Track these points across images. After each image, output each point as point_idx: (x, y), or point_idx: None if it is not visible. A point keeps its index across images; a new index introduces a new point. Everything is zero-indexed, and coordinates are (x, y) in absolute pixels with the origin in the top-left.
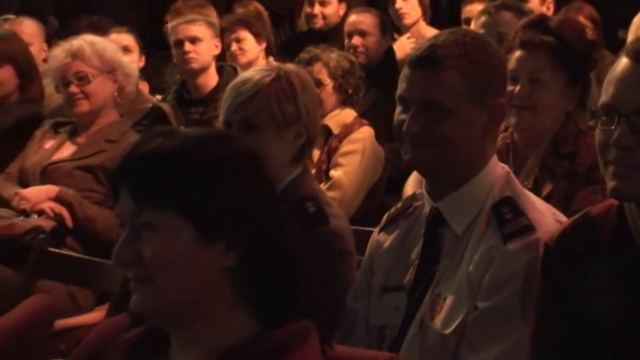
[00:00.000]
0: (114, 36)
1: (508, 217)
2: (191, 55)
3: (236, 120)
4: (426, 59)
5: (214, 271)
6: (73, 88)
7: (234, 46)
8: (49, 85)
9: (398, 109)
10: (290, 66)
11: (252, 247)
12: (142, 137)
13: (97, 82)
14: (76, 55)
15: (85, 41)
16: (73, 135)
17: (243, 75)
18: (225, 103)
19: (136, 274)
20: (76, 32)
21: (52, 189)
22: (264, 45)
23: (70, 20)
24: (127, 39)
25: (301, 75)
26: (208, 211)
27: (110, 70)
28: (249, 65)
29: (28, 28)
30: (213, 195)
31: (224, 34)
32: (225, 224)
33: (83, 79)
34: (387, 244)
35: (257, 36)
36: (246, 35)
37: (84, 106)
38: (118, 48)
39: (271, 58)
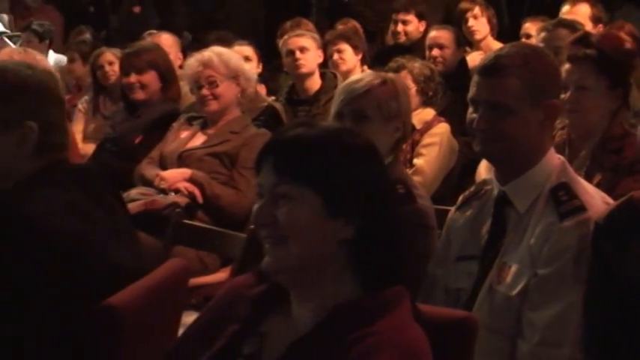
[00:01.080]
0: (237, 48)
1: (564, 199)
2: (301, 61)
3: (348, 110)
4: (492, 67)
5: (334, 241)
6: (205, 91)
7: (335, 56)
8: (184, 87)
9: (470, 109)
10: (392, 75)
11: (367, 223)
12: (287, 125)
13: (223, 86)
14: (206, 64)
15: (214, 52)
16: (203, 127)
17: (356, 77)
18: (339, 97)
19: (271, 234)
20: (205, 45)
21: (186, 171)
22: (360, 56)
23: (201, 35)
24: (248, 50)
25: (401, 82)
26: (336, 190)
27: (234, 75)
28: (347, 72)
29: (166, 41)
30: (341, 177)
31: (327, 46)
32: (348, 202)
33: (212, 83)
34: (461, 221)
35: (355, 48)
36: (346, 47)
37: (213, 106)
38: (241, 57)
39: (365, 67)
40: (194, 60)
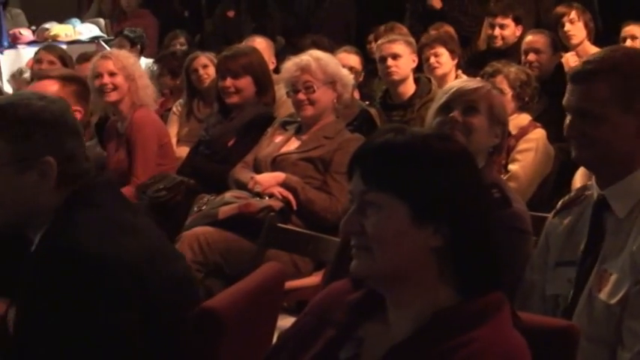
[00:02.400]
0: (343, 55)
1: None
2: (392, 69)
3: (460, 102)
4: (580, 74)
5: (422, 249)
6: (301, 96)
7: (432, 59)
8: (279, 90)
9: (567, 116)
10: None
11: (457, 231)
12: (377, 132)
13: (320, 91)
14: (304, 69)
15: (312, 57)
16: (297, 132)
17: (465, 79)
18: (449, 91)
19: (358, 243)
20: (300, 49)
21: (280, 176)
22: (456, 61)
23: (294, 39)
24: (354, 59)
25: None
26: (424, 198)
27: (331, 81)
28: (443, 76)
29: (260, 45)
30: (430, 184)
31: (423, 49)
32: (436, 210)
33: (309, 88)
34: (561, 227)
35: (451, 52)
36: (443, 51)
37: (309, 111)
38: (338, 62)
39: (460, 72)
40: (292, 64)
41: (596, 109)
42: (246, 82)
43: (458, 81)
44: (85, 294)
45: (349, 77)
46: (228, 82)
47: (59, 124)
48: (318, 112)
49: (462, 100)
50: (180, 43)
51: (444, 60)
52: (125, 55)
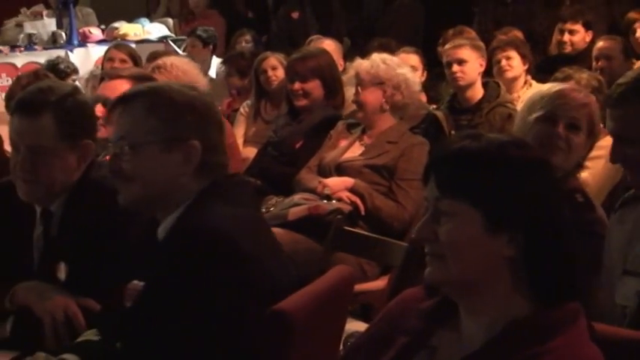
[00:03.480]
0: (402, 55)
1: None
2: (458, 74)
3: (567, 117)
4: (613, 98)
5: (496, 258)
6: (355, 97)
7: (503, 62)
8: (348, 92)
9: None
10: None
11: (532, 241)
12: (453, 137)
13: (366, 92)
14: (354, 69)
15: (372, 59)
16: (362, 135)
17: (570, 87)
18: (553, 97)
19: (432, 250)
20: (368, 51)
21: (349, 181)
22: (527, 65)
23: (361, 41)
24: (414, 59)
25: None
26: (499, 207)
27: (379, 82)
28: (513, 80)
29: (329, 46)
30: (505, 193)
31: (494, 52)
32: (511, 219)
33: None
34: (620, 227)
35: (523, 57)
36: (514, 55)
37: (360, 113)
38: (399, 64)
39: (529, 77)
40: (354, 67)
41: (632, 133)
42: (314, 86)
43: (559, 86)
44: (217, 278)
45: (414, 80)
46: (297, 85)
47: (208, 115)
48: (367, 114)
49: (568, 115)
50: (245, 40)
51: (515, 63)
52: (178, 64)
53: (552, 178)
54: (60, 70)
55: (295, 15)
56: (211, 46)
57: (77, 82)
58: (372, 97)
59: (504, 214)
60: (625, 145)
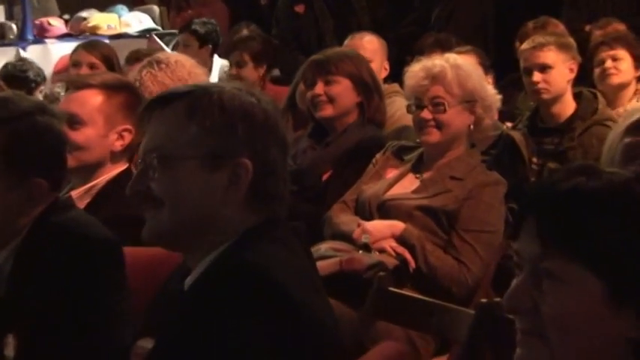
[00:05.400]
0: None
1: None
2: (540, 85)
3: None
4: None
5: (617, 340)
6: (426, 114)
7: (609, 63)
8: (391, 105)
9: None
10: None
11: None
12: (559, 171)
13: (452, 111)
14: (436, 78)
15: (449, 63)
16: (417, 165)
17: None
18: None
19: (527, 326)
20: (421, 51)
21: (397, 226)
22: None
23: (411, 37)
24: (469, 60)
25: None
26: (629, 272)
27: (470, 100)
28: (620, 88)
29: (370, 44)
30: (637, 252)
31: (598, 49)
32: None
33: (439, 105)
34: None
35: (635, 58)
36: (624, 55)
37: (433, 136)
38: (483, 75)
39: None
40: (420, 68)
41: None
42: (342, 88)
43: None
44: (268, 340)
45: (495, 97)
46: (319, 88)
47: (268, 128)
48: (447, 140)
49: None
50: (253, 35)
51: (624, 67)
52: (184, 62)
53: None
54: (22, 78)
55: (300, 9)
56: (210, 46)
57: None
58: (460, 119)
59: (634, 283)
60: None
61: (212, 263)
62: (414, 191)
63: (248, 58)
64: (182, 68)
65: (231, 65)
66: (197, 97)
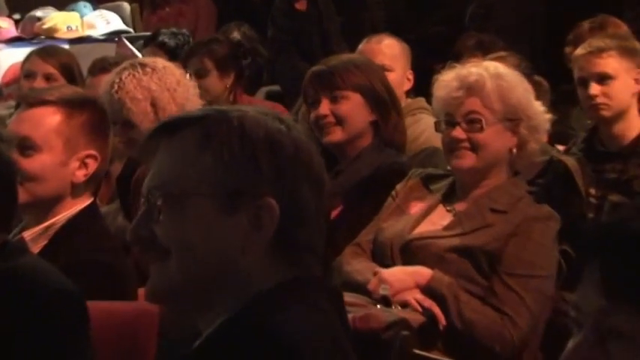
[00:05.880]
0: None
1: None
2: (599, 99)
3: None
4: None
5: None
6: (459, 133)
7: None
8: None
9: None
10: None
11: None
12: (626, 206)
13: (491, 130)
14: (472, 89)
15: (489, 73)
16: (449, 197)
17: None
18: None
19: None
20: (458, 55)
21: (422, 274)
22: None
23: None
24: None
25: None
26: None
27: (513, 117)
28: None
29: (390, 48)
30: None
31: None
32: None
33: (474, 122)
34: None
35: None
36: None
37: (468, 160)
38: (529, 88)
39: None
40: (454, 77)
41: None
42: (352, 105)
43: None
44: None
45: (543, 117)
46: (324, 107)
47: (299, 162)
48: (482, 164)
49: None
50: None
51: None
52: (173, 70)
53: None
54: None
55: (301, 6)
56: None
57: None
58: (501, 141)
59: None
60: None
61: (227, 325)
62: (446, 228)
63: (211, 65)
64: (171, 76)
65: (189, 75)
66: (213, 124)
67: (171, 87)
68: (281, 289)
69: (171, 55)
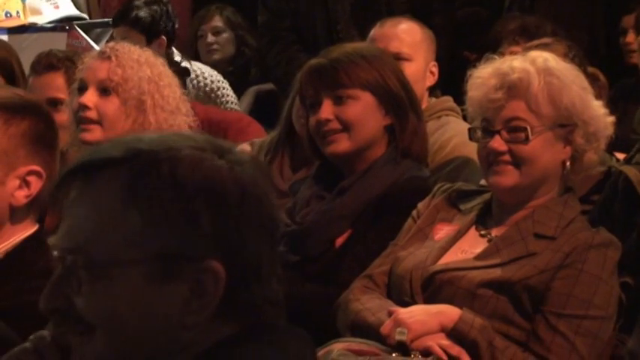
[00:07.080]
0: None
1: None
2: None
3: None
4: None
5: None
6: (499, 143)
7: None
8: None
9: None
10: None
11: None
12: None
13: (540, 139)
14: (516, 89)
15: (536, 67)
16: (483, 218)
17: None
18: None
19: None
20: (496, 43)
21: (449, 314)
22: None
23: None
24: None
25: None
26: None
27: (566, 123)
28: None
29: (409, 34)
30: None
31: None
32: None
33: (518, 130)
34: None
35: None
36: None
37: (509, 178)
38: (587, 86)
39: None
40: (491, 73)
41: None
42: (361, 107)
43: None
44: None
45: (604, 120)
46: (326, 110)
47: (246, 210)
48: (527, 182)
49: None
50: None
51: None
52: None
53: None
54: None
55: None
56: (164, 37)
57: None
58: (551, 152)
59: None
60: None
61: None
62: (480, 257)
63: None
64: (146, 64)
65: None
66: (138, 171)
67: (141, 79)
68: (232, 338)
69: (148, 31)
